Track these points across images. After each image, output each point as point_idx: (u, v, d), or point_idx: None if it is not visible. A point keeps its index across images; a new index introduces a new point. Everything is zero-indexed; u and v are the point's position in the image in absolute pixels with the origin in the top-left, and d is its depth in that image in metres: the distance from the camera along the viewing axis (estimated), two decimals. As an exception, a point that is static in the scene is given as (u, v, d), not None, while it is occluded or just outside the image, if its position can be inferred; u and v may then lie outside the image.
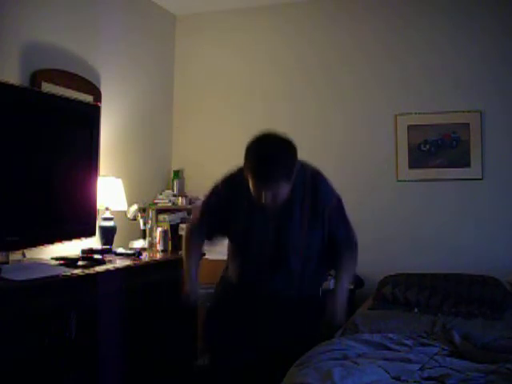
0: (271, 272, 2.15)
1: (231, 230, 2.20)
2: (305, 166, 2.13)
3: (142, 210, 3.74)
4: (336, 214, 2.18)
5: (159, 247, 3.59)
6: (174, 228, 3.78)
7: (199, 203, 2.37)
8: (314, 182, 2.13)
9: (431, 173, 3.85)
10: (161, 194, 4.12)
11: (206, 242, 2.29)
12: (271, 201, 1.97)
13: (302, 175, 2.08)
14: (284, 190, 1.97)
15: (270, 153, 1.95)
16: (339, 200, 2.21)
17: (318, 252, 2.18)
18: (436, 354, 2.22)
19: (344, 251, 2.21)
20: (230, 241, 2.25)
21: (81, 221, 2.95)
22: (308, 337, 2.27)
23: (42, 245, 2.79)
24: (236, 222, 2.15)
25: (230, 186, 2.16)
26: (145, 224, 3.71)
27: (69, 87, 3.16)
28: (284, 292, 2.17)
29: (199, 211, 2.27)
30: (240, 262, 2.22)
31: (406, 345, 2.34)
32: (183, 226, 3.63)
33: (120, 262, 2.98)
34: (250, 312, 2.19)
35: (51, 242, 2.79)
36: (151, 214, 3.81)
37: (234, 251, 2.25)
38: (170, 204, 4.02)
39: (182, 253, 2.33)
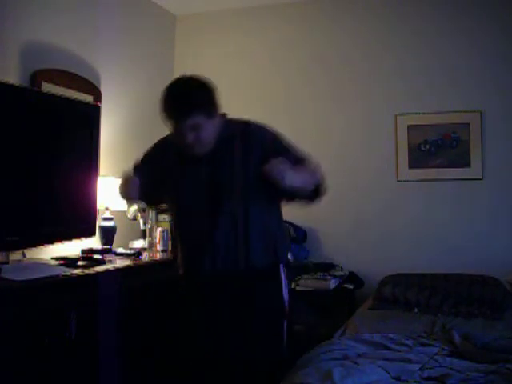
0: (211, 226, 1.97)
1: (166, 191, 2.13)
2: (235, 119, 2.12)
3: (142, 210, 3.73)
4: (276, 149, 2.03)
5: (159, 247, 3.58)
6: (174, 228, 3.78)
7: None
8: (243, 123, 2.11)
9: (431, 173, 3.85)
10: (161, 194, 4.11)
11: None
12: (194, 139, 1.92)
13: (230, 121, 2.09)
14: (207, 127, 1.93)
15: (181, 87, 1.99)
16: (275, 135, 2.11)
17: (260, 202, 2.01)
18: (436, 354, 2.22)
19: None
20: (169, 209, 2.18)
21: (81, 221, 2.95)
22: (261, 336, 2.01)
23: (42, 245, 2.79)
24: (168, 180, 2.10)
25: (159, 146, 2.20)
26: (145, 224, 3.70)
27: (69, 87, 3.16)
28: (229, 265, 1.97)
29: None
30: (179, 236, 2.11)
31: (405, 345, 2.35)
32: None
33: (120, 262, 2.98)
34: (198, 307, 2.10)
35: (51, 242, 2.78)
36: (151, 214, 3.81)
37: (174, 225, 2.17)
38: (169, 204, 4.02)
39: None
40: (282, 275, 2.10)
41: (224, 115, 2.07)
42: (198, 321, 2.10)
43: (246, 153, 2.02)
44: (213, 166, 2.01)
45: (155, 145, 2.24)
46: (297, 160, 2.04)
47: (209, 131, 1.93)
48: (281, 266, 2.10)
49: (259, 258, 2.01)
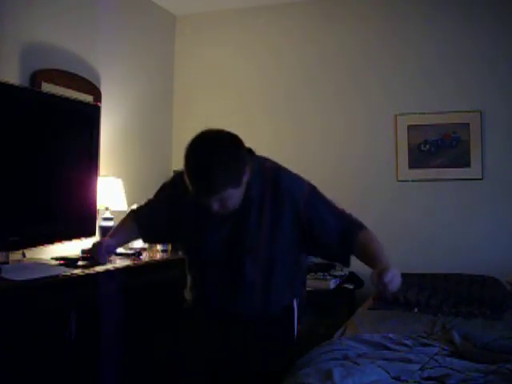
0: (229, 285, 1.86)
1: (182, 238, 1.98)
2: (262, 162, 1.87)
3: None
4: (314, 207, 1.85)
5: (159, 247, 3.58)
6: (174, 228, 3.78)
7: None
8: (274, 177, 1.84)
9: (431, 173, 3.85)
10: (161, 194, 4.11)
11: (141, 233, 2.05)
12: (221, 210, 1.72)
13: (259, 172, 1.82)
14: (234, 195, 1.70)
15: (208, 162, 1.65)
16: (311, 189, 1.89)
17: (286, 257, 1.88)
18: (436, 354, 2.22)
19: (354, 236, 1.94)
20: (183, 252, 2.04)
21: (81, 221, 2.95)
22: (270, 368, 1.96)
23: (42, 245, 2.79)
24: (185, 228, 1.91)
25: (178, 187, 1.84)
26: (145, 224, 3.70)
27: (69, 87, 3.16)
28: (245, 311, 1.88)
29: (144, 203, 2.08)
30: (194, 277, 1.97)
31: (405, 345, 2.34)
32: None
33: (120, 262, 2.98)
34: (206, 343, 1.92)
35: (51, 242, 2.79)
36: (151, 214, 3.81)
37: (188, 265, 2.00)
38: (169, 204, 4.02)
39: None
40: (295, 311, 2.12)
41: (251, 161, 1.79)
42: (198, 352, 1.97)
43: (275, 213, 1.83)
44: (233, 225, 1.82)
45: (174, 183, 1.94)
46: (340, 230, 1.93)
47: (236, 198, 1.73)
48: (294, 301, 2.08)
49: (277, 306, 1.97)
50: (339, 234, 1.94)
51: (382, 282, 1.61)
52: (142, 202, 2.10)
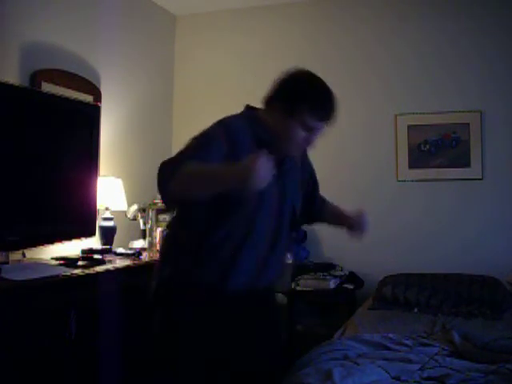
0: (269, 255, 1.77)
1: (228, 198, 1.61)
2: None
3: (142, 210, 3.73)
4: (315, 176, 2.06)
5: (159, 247, 3.58)
6: (174, 228, 3.78)
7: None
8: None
9: (431, 173, 3.85)
10: (161, 194, 4.11)
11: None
12: (312, 144, 1.76)
13: None
14: None
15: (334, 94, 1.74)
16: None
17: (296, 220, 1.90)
18: (436, 354, 2.22)
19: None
20: (218, 214, 1.69)
21: (81, 221, 2.95)
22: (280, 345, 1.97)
23: (42, 245, 2.79)
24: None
25: (234, 133, 1.68)
26: (145, 224, 3.71)
27: (69, 87, 3.16)
28: (272, 280, 1.85)
29: (198, 144, 1.67)
30: (235, 246, 1.70)
31: (405, 345, 2.34)
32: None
33: (120, 262, 2.98)
34: (240, 333, 1.77)
35: (51, 241, 2.79)
36: (151, 213, 3.81)
37: (214, 232, 1.70)
38: (169, 204, 4.01)
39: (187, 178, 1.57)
40: None
41: None
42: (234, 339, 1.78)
43: (304, 174, 1.94)
44: (283, 186, 1.77)
45: (230, 130, 1.70)
46: (319, 196, 2.11)
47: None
48: None
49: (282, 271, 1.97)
50: (318, 197, 2.09)
51: (364, 220, 1.94)
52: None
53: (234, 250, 1.70)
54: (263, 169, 1.41)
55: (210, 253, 1.70)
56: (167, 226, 1.96)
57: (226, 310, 1.73)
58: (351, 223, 1.99)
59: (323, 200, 2.14)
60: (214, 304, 1.71)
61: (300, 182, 1.91)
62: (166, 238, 1.96)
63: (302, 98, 1.68)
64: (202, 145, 1.65)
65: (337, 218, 2.07)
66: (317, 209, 2.09)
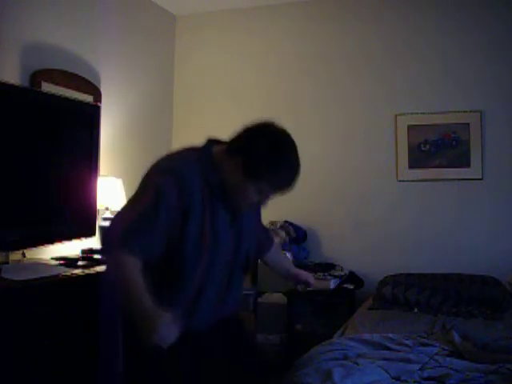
0: (225, 287, 1.76)
1: (183, 243, 1.62)
2: None
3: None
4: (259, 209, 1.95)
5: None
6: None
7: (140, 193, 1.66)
8: None
9: (431, 173, 3.85)
10: (161, 194, 4.11)
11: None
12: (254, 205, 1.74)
13: None
14: None
15: (298, 161, 1.66)
16: None
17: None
18: (436, 354, 2.22)
19: (271, 243, 2.05)
20: (169, 258, 1.64)
21: (81, 221, 2.95)
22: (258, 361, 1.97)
23: (42, 245, 2.79)
24: (192, 231, 1.62)
25: (184, 181, 1.60)
26: (145, 224, 3.70)
27: (69, 87, 3.16)
28: (230, 311, 1.83)
29: (137, 215, 1.58)
30: (191, 289, 1.67)
31: (405, 345, 2.35)
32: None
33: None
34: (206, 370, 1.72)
35: (51, 242, 2.79)
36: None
37: (174, 276, 1.67)
38: (169, 204, 4.01)
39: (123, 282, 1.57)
40: None
41: None
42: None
43: (256, 213, 1.90)
44: (238, 231, 1.77)
45: (182, 177, 1.62)
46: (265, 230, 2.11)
47: None
48: None
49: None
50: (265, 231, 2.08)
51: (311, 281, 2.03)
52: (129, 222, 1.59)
53: (194, 297, 1.69)
54: (166, 332, 1.44)
55: (170, 301, 1.62)
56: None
57: (193, 347, 1.69)
58: (296, 280, 2.07)
59: (271, 242, 2.08)
60: (181, 343, 1.56)
61: (255, 226, 1.89)
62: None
63: (267, 170, 1.60)
64: (150, 207, 1.58)
65: (282, 269, 2.11)
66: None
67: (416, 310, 3.18)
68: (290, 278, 2.08)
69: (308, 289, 2.11)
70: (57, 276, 2.45)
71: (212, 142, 1.77)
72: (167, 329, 1.44)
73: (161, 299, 1.54)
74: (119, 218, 1.64)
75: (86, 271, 2.63)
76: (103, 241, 1.67)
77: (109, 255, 1.63)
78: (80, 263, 2.75)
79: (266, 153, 1.60)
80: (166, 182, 1.59)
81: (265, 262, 2.08)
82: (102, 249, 1.69)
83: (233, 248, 1.74)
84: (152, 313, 1.47)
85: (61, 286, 2.45)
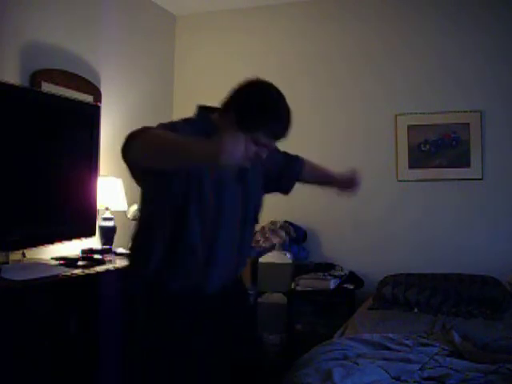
0: (235, 248, 1.79)
1: (194, 191, 1.66)
2: None
3: (142, 210, 3.73)
4: (284, 162, 2.02)
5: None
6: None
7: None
8: None
9: (431, 173, 3.85)
10: (161, 194, 4.11)
11: None
12: (259, 159, 1.73)
13: None
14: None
15: (286, 106, 1.75)
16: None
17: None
18: (436, 354, 2.22)
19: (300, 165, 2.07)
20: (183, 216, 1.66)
21: (81, 221, 2.95)
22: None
23: (42, 245, 2.79)
24: (201, 181, 1.67)
25: (195, 131, 1.69)
26: (145, 224, 3.70)
27: (69, 87, 3.16)
28: (237, 273, 1.89)
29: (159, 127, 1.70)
30: (192, 245, 1.69)
31: (405, 345, 2.35)
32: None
33: (120, 262, 2.97)
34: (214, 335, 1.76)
35: (51, 242, 2.79)
36: (151, 213, 3.81)
37: (181, 231, 1.69)
38: (169, 204, 4.02)
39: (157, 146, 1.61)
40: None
41: None
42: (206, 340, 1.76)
43: (266, 172, 1.92)
44: (247, 181, 1.81)
45: (189, 127, 1.75)
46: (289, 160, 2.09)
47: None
48: None
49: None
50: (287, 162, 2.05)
51: (356, 178, 1.98)
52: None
53: (205, 259, 1.72)
54: (236, 146, 1.37)
55: (183, 259, 1.70)
56: (132, 239, 1.93)
57: (205, 306, 1.75)
58: (340, 181, 2.03)
59: (301, 164, 2.10)
60: (195, 302, 1.72)
61: (262, 179, 1.91)
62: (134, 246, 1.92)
63: (260, 119, 1.67)
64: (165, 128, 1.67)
65: (322, 178, 2.11)
66: (291, 182, 2.07)
67: (416, 309, 3.18)
68: (334, 185, 2.05)
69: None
70: (57, 276, 2.45)
71: (204, 108, 1.85)
72: (232, 143, 1.37)
73: (172, 263, 1.64)
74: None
75: (86, 271, 2.63)
76: (126, 139, 1.69)
77: (133, 140, 1.66)
78: (80, 263, 2.75)
79: (255, 104, 1.68)
80: (177, 123, 1.71)
81: (305, 181, 2.10)
82: (124, 144, 1.70)
83: (241, 205, 1.78)
84: (209, 141, 1.47)
85: (61, 285, 2.45)
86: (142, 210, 1.89)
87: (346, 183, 2.03)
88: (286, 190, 2.06)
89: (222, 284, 1.77)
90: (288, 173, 2.03)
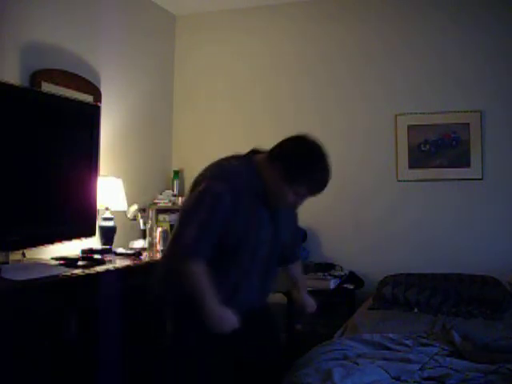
0: (263, 279, 2.04)
1: (229, 237, 1.90)
2: None
3: (142, 210, 3.74)
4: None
5: (159, 247, 3.59)
6: (174, 228, 3.78)
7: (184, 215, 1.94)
8: None
9: (431, 173, 3.85)
10: (161, 194, 4.12)
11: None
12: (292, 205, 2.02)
13: None
14: None
15: (330, 169, 1.97)
16: None
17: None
18: (436, 354, 2.22)
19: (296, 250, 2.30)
20: (220, 251, 1.90)
21: (81, 221, 2.95)
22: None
23: (42, 245, 2.79)
24: (240, 226, 1.89)
25: (235, 185, 1.88)
26: (145, 224, 3.71)
27: (69, 87, 3.16)
28: (263, 302, 2.13)
29: (197, 225, 1.85)
30: (234, 278, 1.95)
31: (405, 345, 2.34)
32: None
33: (120, 262, 2.98)
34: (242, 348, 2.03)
35: (51, 242, 2.79)
36: (151, 213, 3.81)
37: (220, 265, 1.92)
38: (170, 204, 4.02)
39: (193, 287, 1.86)
40: None
41: None
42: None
43: (293, 215, 2.18)
44: (278, 221, 2.03)
45: (230, 184, 1.89)
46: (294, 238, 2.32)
47: None
48: None
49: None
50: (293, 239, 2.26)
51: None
52: (192, 231, 1.85)
53: (237, 283, 1.96)
54: (227, 325, 1.82)
55: (218, 284, 1.88)
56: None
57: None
58: (296, 300, 2.22)
59: (294, 259, 2.27)
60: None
61: (290, 222, 2.17)
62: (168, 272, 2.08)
63: (305, 175, 1.88)
64: (208, 213, 1.85)
65: (293, 281, 2.27)
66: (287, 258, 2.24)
67: (416, 309, 3.18)
68: (294, 298, 2.24)
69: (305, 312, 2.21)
70: (57, 276, 2.45)
71: (254, 152, 2.02)
72: (228, 323, 1.82)
73: (217, 278, 1.85)
74: (183, 232, 1.87)
75: (86, 271, 2.63)
76: (171, 255, 1.94)
77: (180, 266, 1.88)
78: (80, 263, 2.75)
79: (302, 160, 1.89)
80: (220, 186, 1.85)
81: (284, 271, 2.26)
82: (170, 261, 1.96)
83: (271, 242, 1.99)
84: (217, 312, 1.83)
85: (61, 285, 2.45)
86: None
87: (299, 306, 2.20)
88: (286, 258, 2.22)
89: (246, 309, 1.94)
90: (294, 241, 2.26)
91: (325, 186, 1.93)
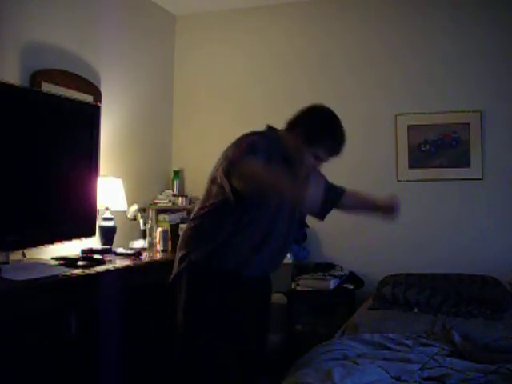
0: (281, 245, 2.13)
1: (256, 204, 2.00)
2: None
3: (142, 210, 3.74)
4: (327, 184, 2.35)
5: (159, 247, 3.59)
6: (174, 228, 3.78)
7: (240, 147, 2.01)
8: None
9: (431, 173, 3.85)
10: (161, 194, 4.12)
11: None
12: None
13: None
14: None
15: (344, 132, 2.12)
16: None
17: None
18: (436, 354, 2.22)
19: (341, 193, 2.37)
20: (244, 207, 2.00)
21: (81, 221, 2.95)
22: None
23: (42, 245, 2.79)
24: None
25: (269, 142, 2.04)
26: (145, 224, 3.71)
27: (69, 87, 3.16)
28: (273, 270, 2.22)
29: (249, 150, 1.95)
30: (251, 233, 2.04)
31: (406, 345, 2.35)
32: (183, 226, 3.62)
33: (120, 262, 2.98)
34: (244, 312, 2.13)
35: (51, 242, 2.78)
36: (151, 213, 3.81)
37: (241, 224, 2.02)
38: (170, 204, 4.03)
39: (266, 179, 1.89)
40: None
41: None
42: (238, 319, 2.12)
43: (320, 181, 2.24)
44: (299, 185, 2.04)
45: (270, 140, 2.07)
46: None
47: None
48: None
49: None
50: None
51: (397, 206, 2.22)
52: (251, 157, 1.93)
53: (256, 244, 2.05)
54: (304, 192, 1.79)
55: (235, 247, 2.03)
56: (192, 219, 2.17)
57: (242, 290, 2.08)
58: (382, 208, 2.28)
59: (340, 193, 2.35)
60: (234, 285, 2.06)
61: (323, 189, 2.17)
62: (193, 229, 2.15)
63: (323, 137, 2.05)
64: (253, 151, 1.95)
65: (363, 205, 2.41)
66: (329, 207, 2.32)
67: (416, 310, 3.18)
68: (375, 210, 2.33)
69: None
70: (57, 276, 2.45)
71: (272, 128, 2.18)
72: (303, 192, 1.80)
73: (229, 246, 2.00)
74: (240, 160, 1.93)
75: (86, 271, 2.62)
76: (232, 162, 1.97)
77: (244, 169, 1.92)
78: (80, 263, 2.75)
79: (321, 124, 2.06)
80: (255, 137, 2.03)
81: (342, 208, 2.37)
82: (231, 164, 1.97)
83: (291, 209, 2.09)
84: (290, 185, 1.84)
85: (61, 285, 2.45)
86: (211, 202, 2.09)
87: (387, 210, 2.27)
88: (321, 215, 2.29)
89: (259, 272, 2.10)
90: (327, 198, 2.19)
91: (341, 148, 2.09)
